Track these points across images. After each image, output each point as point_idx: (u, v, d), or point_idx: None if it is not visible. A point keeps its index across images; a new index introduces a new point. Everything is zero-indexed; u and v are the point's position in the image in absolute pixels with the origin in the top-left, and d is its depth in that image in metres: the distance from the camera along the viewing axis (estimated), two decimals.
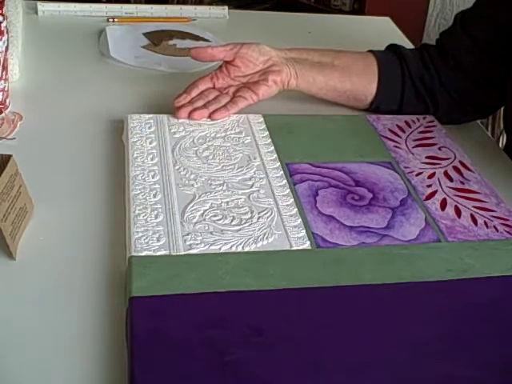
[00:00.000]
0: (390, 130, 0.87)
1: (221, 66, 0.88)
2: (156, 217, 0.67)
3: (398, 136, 0.86)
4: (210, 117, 0.84)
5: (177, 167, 0.75)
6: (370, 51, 0.93)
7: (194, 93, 0.86)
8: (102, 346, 0.55)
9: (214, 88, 0.88)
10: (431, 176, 0.78)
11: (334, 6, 2.78)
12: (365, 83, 0.90)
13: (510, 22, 0.86)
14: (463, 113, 0.92)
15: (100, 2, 1.33)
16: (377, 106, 0.91)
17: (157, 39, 1.11)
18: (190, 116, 0.83)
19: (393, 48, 0.94)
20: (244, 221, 0.68)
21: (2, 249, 0.63)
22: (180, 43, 1.11)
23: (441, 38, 0.93)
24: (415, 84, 0.90)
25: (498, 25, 0.87)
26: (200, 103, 0.85)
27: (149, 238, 0.64)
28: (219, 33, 1.16)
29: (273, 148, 0.80)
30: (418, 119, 0.90)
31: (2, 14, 0.83)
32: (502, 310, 0.61)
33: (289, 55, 0.90)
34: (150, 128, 0.81)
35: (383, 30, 1.25)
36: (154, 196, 0.70)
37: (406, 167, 0.79)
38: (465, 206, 0.73)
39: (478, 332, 0.58)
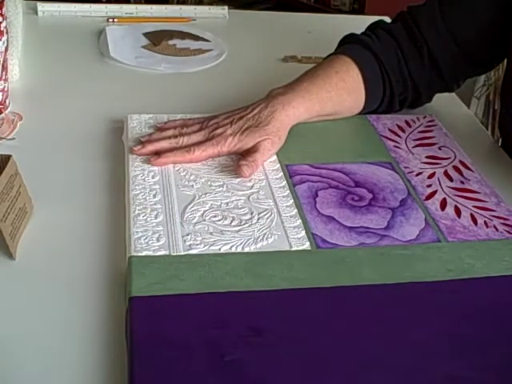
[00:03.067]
0: (389, 129, 0.87)
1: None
2: (156, 217, 0.67)
3: (398, 136, 0.86)
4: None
5: (177, 168, 0.75)
6: (354, 61, 0.86)
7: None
8: (101, 346, 0.55)
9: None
10: (431, 176, 0.78)
11: (333, 5, 2.79)
12: (353, 111, 0.89)
13: (495, 20, 0.85)
14: (416, 101, 0.92)
15: (100, 2, 1.33)
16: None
17: (157, 39, 1.11)
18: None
19: (367, 46, 0.88)
20: (244, 221, 0.68)
21: (2, 249, 0.63)
22: (180, 43, 1.11)
23: (418, 25, 0.88)
24: (393, 93, 0.89)
25: (481, 24, 0.86)
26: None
27: (149, 238, 0.64)
28: (219, 33, 1.16)
29: None
30: (418, 119, 0.90)
31: (2, 15, 0.83)
32: (502, 310, 0.60)
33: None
34: (149, 128, 0.81)
35: None
36: (154, 196, 0.70)
37: (405, 167, 0.79)
38: (465, 206, 0.73)
39: (478, 332, 0.58)
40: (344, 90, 0.85)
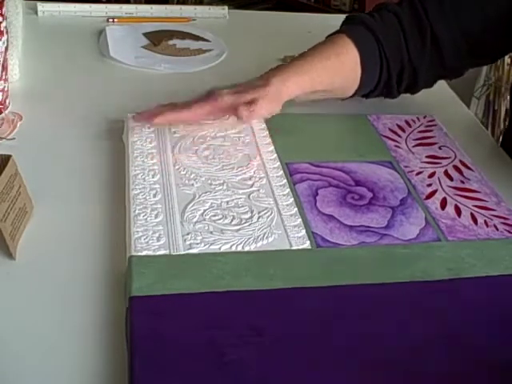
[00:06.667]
0: (390, 129, 0.87)
1: None
2: (156, 216, 0.67)
3: (398, 135, 0.86)
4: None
5: (177, 167, 0.75)
6: (355, 43, 0.87)
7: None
8: (102, 346, 0.55)
9: None
10: (431, 175, 0.78)
11: (333, 5, 2.79)
12: (347, 91, 0.89)
13: (503, 14, 0.84)
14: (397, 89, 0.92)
15: (100, 2, 1.32)
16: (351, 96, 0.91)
17: (157, 39, 1.11)
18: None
19: (370, 28, 0.88)
20: (244, 220, 0.68)
21: (2, 249, 0.63)
22: (180, 43, 1.11)
23: (426, 10, 0.88)
24: (390, 77, 0.89)
25: (489, 16, 0.85)
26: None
27: (149, 238, 0.64)
28: (219, 33, 1.16)
29: (272, 148, 0.80)
30: (418, 119, 0.90)
31: (2, 15, 0.83)
32: (502, 310, 0.61)
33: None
34: (149, 128, 0.81)
35: None
36: (154, 196, 0.70)
37: (406, 166, 0.79)
38: (465, 205, 0.73)
39: (477, 331, 0.58)
40: (339, 74, 0.86)
